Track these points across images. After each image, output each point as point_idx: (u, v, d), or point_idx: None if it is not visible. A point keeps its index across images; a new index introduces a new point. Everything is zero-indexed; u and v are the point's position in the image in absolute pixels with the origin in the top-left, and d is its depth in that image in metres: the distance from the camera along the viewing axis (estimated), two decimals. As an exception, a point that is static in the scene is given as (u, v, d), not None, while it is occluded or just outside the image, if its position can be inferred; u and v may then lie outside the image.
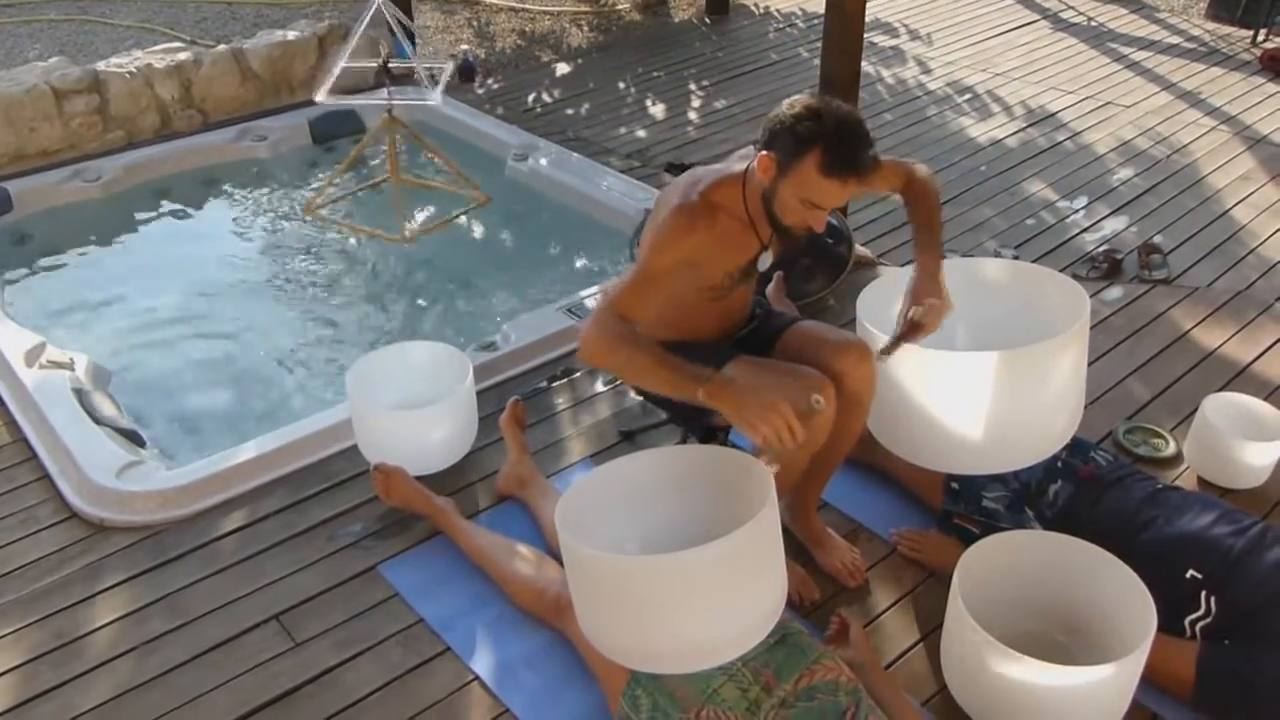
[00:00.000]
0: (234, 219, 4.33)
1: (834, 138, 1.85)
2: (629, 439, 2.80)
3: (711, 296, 2.16)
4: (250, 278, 3.89)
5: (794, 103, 1.91)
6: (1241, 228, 3.97)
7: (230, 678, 2.14)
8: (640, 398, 2.40)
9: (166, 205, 4.37)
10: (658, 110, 5.12)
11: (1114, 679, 1.82)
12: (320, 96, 3.73)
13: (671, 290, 2.07)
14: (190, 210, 4.37)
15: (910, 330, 2.08)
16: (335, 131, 4.84)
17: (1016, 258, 3.68)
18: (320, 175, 4.59)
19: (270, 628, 2.26)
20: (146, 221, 4.28)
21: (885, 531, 2.50)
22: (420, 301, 3.80)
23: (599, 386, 3.02)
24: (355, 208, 4.22)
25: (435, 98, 3.83)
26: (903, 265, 3.60)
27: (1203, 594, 2.06)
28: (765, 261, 2.15)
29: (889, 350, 2.08)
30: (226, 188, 4.51)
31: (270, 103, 5.04)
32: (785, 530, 2.10)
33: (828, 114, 1.87)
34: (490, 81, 5.45)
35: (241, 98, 4.96)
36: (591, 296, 3.35)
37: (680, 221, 1.99)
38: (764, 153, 1.93)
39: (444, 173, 4.12)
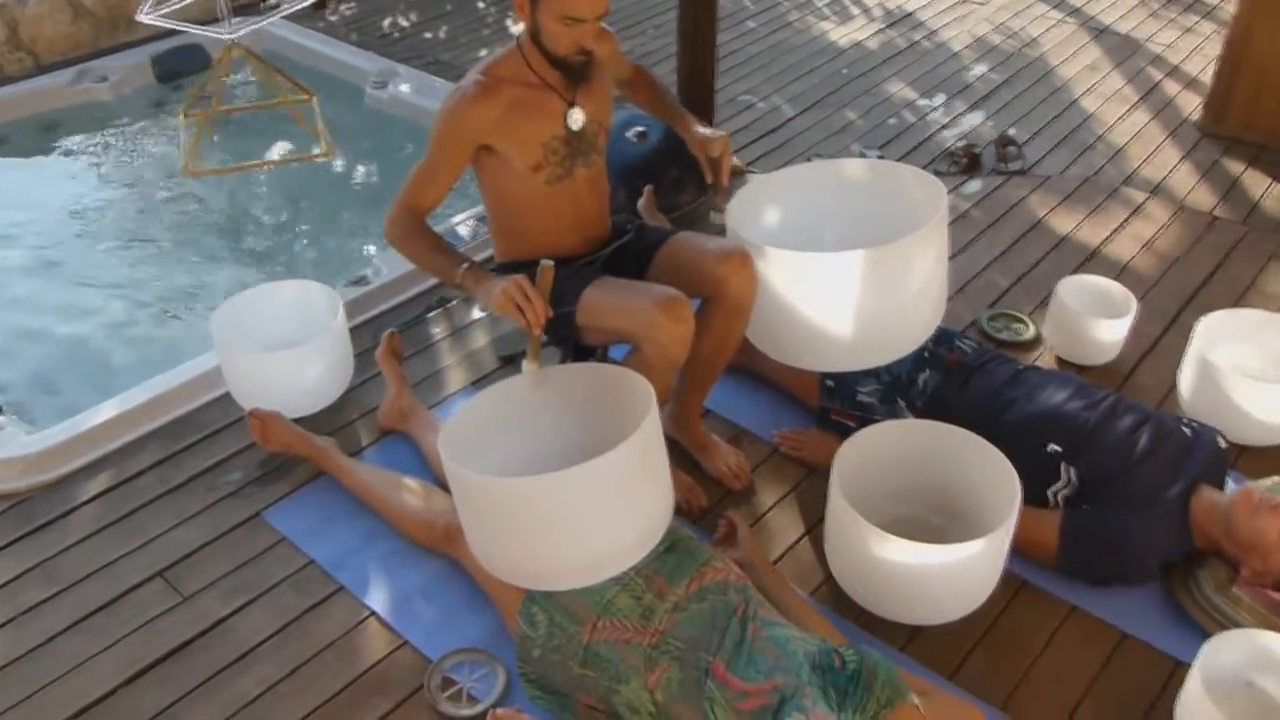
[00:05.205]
0: (79, 166, 4.10)
1: None
2: (508, 363, 2.79)
3: (546, 179, 2.16)
4: (101, 227, 3.70)
5: None
6: (1089, 116, 4.12)
7: (117, 639, 2.09)
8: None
9: (2, 156, 4.11)
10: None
11: (985, 552, 1.92)
12: (143, 15, 3.46)
13: (501, 188, 2.13)
14: (30, 160, 4.12)
15: (718, 171, 2.24)
16: (180, 68, 4.58)
17: (881, 157, 3.75)
18: (166, 116, 4.35)
19: (155, 585, 2.21)
20: (-19, 175, 4.03)
21: (767, 433, 2.56)
22: (285, 240, 3.68)
23: (475, 314, 2.99)
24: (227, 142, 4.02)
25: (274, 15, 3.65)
26: (772, 172, 3.64)
27: (1062, 465, 2.18)
28: (576, 121, 2.16)
29: (720, 207, 2.29)
30: (68, 134, 4.25)
31: (107, 41, 4.74)
32: (670, 439, 2.13)
33: None
34: (343, 8, 5.23)
35: (75, 37, 4.66)
36: (464, 221, 3.29)
37: (447, 105, 2.09)
38: None
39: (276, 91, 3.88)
